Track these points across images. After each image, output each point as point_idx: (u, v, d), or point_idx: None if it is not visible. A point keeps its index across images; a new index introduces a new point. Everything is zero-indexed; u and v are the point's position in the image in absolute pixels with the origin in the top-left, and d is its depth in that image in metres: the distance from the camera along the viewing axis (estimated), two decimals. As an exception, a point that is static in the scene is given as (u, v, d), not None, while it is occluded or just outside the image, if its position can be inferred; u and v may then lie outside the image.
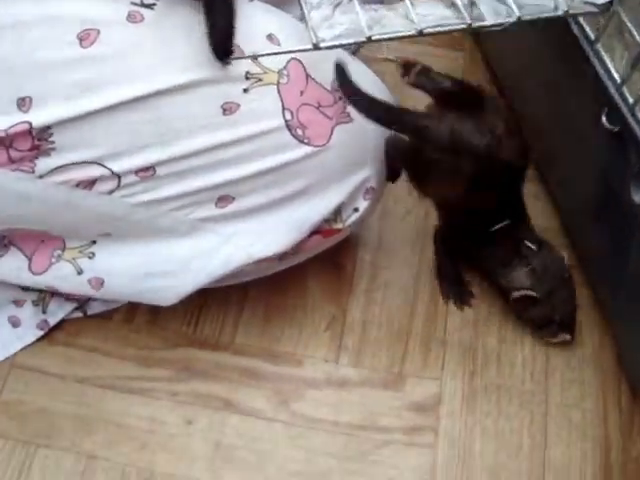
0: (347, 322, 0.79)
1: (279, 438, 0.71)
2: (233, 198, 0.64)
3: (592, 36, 0.65)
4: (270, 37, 0.63)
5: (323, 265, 0.79)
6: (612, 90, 0.63)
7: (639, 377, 0.73)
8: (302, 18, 0.60)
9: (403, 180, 0.72)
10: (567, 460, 0.71)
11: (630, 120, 0.62)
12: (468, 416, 0.73)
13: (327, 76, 0.64)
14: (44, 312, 0.78)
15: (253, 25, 0.64)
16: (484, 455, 0.71)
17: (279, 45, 0.63)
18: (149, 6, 0.61)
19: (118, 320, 0.79)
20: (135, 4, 0.60)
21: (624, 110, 0.62)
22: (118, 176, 0.61)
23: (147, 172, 0.61)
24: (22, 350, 0.77)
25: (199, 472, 0.70)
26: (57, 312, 0.78)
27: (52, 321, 0.78)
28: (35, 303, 0.78)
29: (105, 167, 0.61)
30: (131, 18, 0.60)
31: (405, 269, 0.83)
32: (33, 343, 0.77)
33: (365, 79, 0.67)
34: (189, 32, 0.60)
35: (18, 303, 0.78)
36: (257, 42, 0.62)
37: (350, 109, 0.65)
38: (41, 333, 0.77)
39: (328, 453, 0.71)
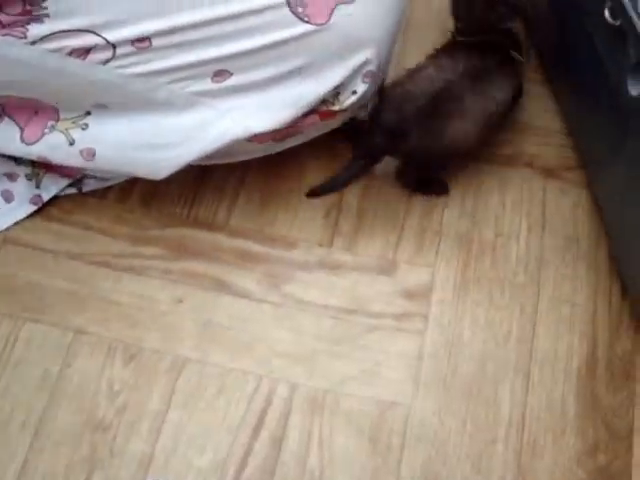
0: (343, 208, 0.78)
1: (268, 319, 0.72)
2: (230, 73, 0.63)
3: None
4: None
5: (320, 151, 0.78)
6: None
7: (630, 277, 0.72)
8: None
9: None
10: (553, 352, 0.71)
11: (632, 14, 0.60)
12: (459, 305, 0.73)
13: None
14: (38, 187, 0.77)
15: None
16: (472, 343, 0.71)
17: None
18: None
19: (112, 199, 0.78)
20: None
21: (626, 3, 0.60)
22: (113, 46, 0.60)
23: (143, 43, 0.60)
24: (15, 225, 0.77)
25: (187, 350, 0.70)
26: (51, 187, 0.77)
27: (46, 196, 0.77)
28: (29, 177, 0.77)
29: (100, 36, 0.59)
30: None
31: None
32: (27, 218, 0.77)
33: None
34: None
35: (11, 177, 0.77)
36: None
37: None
38: (34, 208, 0.77)
39: (316, 335, 0.71)
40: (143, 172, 0.69)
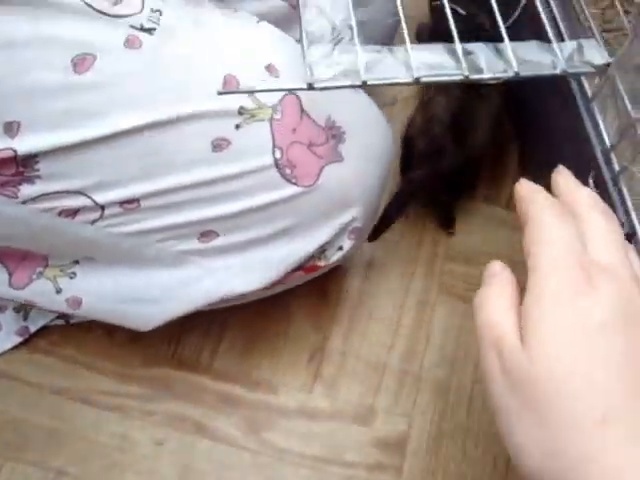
0: (327, 351, 0.79)
1: (246, 467, 0.72)
2: (217, 234, 0.64)
3: (589, 93, 0.65)
4: (269, 68, 0.62)
5: (308, 289, 0.79)
6: (599, 154, 0.63)
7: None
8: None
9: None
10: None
11: (611, 189, 0.61)
12: (432, 458, 0.73)
13: (323, 110, 0.63)
14: (25, 319, 0.78)
15: (254, 53, 0.63)
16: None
17: (277, 77, 0.62)
18: (149, 30, 0.59)
19: (100, 333, 0.79)
20: (135, 28, 0.59)
21: (607, 177, 0.62)
22: (102, 207, 0.61)
23: (131, 204, 0.61)
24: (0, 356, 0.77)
25: (166, 495, 0.71)
26: (38, 319, 0.79)
27: (33, 328, 0.78)
28: (16, 310, 0.78)
29: (89, 197, 0.61)
30: (129, 43, 0.58)
31: (390, 299, 0.83)
32: (11, 350, 0.78)
33: (365, 114, 0.67)
34: (188, 60, 0.60)
35: None
36: (255, 72, 0.62)
37: (342, 147, 0.64)
38: (20, 339, 0.78)
39: (293, 485, 0.72)
40: (129, 324, 0.70)
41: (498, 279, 0.45)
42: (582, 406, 0.38)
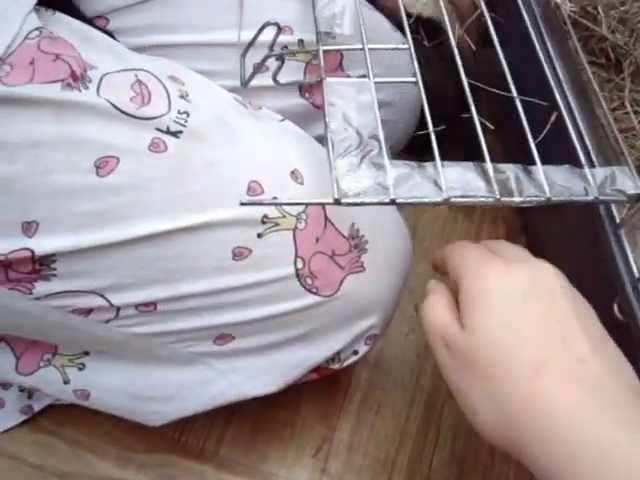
0: (334, 444, 0.78)
1: None
2: (233, 337, 0.63)
3: (617, 219, 0.64)
4: (294, 174, 0.61)
5: (317, 382, 0.78)
6: (627, 283, 0.62)
7: None
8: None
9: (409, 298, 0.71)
10: None
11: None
12: None
13: (347, 218, 0.63)
14: (29, 397, 0.77)
15: (279, 157, 0.62)
16: None
17: (302, 184, 0.61)
18: (175, 134, 0.58)
19: (105, 415, 0.77)
20: (160, 130, 0.57)
21: (636, 307, 0.61)
22: (117, 308, 0.60)
23: (147, 307, 0.60)
24: (2, 434, 0.76)
25: None
26: (43, 399, 0.77)
27: (37, 407, 0.77)
28: (21, 388, 0.77)
29: (104, 298, 0.59)
30: (154, 147, 0.57)
31: (399, 393, 0.82)
32: (14, 427, 0.76)
33: (388, 223, 0.66)
34: (212, 166, 0.58)
35: (4, 386, 0.77)
36: (280, 179, 0.61)
37: (364, 258, 0.63)
38: (24, 418, 0.77)
39: None
40: (138, 419, 0.69)
41: (436, 290, 0.54)
42: (516, 361, 0.45)
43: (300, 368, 0.66)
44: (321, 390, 0.80)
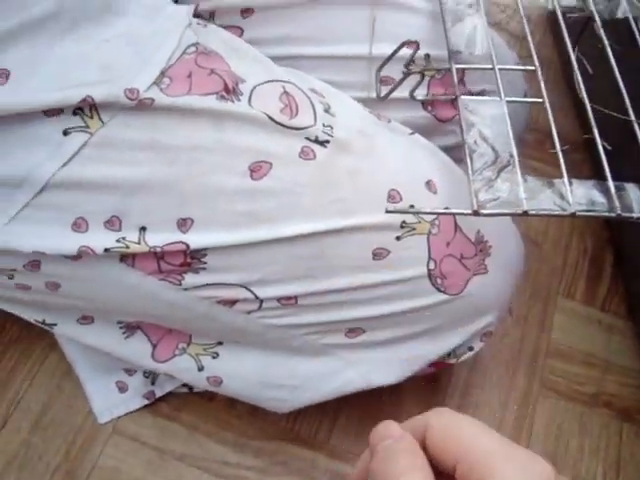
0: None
1: None
2: (363, 331, 0.68)
3: None
4: (429, 184, 0.66)
5: (421, 376, 0.82)
6: None
7: None
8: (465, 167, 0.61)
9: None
10: None
11: None
12: None
13: (474, 226, 0.67)
14: (153, 383, 0.82)
15: (414, 168, 0.67)
16: None
17: (435, 194, 0.66)
18: (322, 143, 0.62)
19: (221, 402, 0.82)
20: (310, 140, 0.62)
21: None
22: (261, 300, 0.64)
23: (289, 301, 0.65)
24: (125, 417, 0.81)
25: None
26: (165, 385, 0.82)
27: (159, 392, 0.82)
28: (146, 375, 0.82)
29: (250, 291, 0.64)
30: (304, 155, 0.61)
31: (495, 393, 0.86)
32: (137, 411, 0.81)
33: (506, 229, 0.71)
34: (356, 174, 0.63)
35: (129, 372, 0.82)
36: (417, 189, 0.65)
37: (488, 260, 0.67)
38: (146, 402, 0.81)
39: None
40: (266, 405, 0.73)
41: (402, 447, 0.35)
42: None
43: (421, 361, 0.70)
44: (424, 387, 0.84)
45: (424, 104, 0.76)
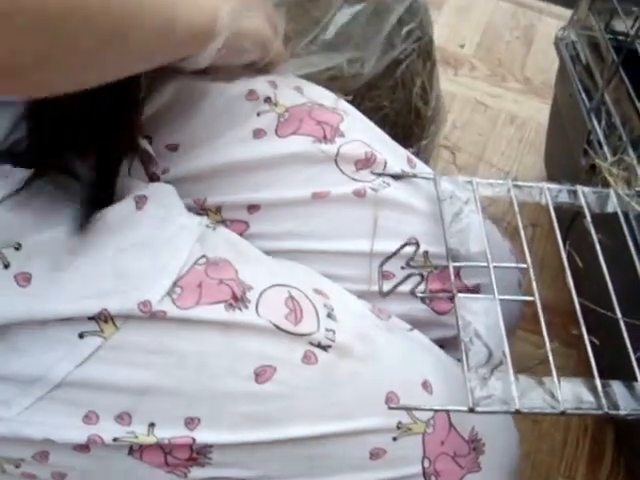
0: None
1: None
2: None
3: None
4: (424, 384, 0.69)
5: None
6: None
7: None
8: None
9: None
10: None
11: None
12: None
13: (468, 423, 0.69)
14: None
15: (411, 370, 0.70)
16: None
17: (431, 394, 0.69)
18: (325, 348, 0.65)
19: None
20: (312, 344, 0.65)
21: None
22: None
23: None
24: None
25: None
26: None
27: None
28: None
29: None
30: (306, 359, 0.64)
31: None
32: None
33: (502, 422, 0.72)
34: (355, 378, 0.66)
35: None
36: (413, 391, 0.68)
37: (481, 458, 0.69)
38: None
39: None
40: None
41: None
42: None
43: None
44: None
45: (423, 298, 0.79)
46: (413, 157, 0.84)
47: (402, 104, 1.05)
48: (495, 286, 0.69)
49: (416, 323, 0.76)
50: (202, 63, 0.69)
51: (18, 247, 0.60)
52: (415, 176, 0.78)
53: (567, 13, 1.70)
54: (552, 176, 1.32)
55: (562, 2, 1.84)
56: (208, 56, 0.67)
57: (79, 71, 0.53)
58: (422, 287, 0.76)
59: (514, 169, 1.37)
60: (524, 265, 0.72)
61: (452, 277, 0.70)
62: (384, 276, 0.75)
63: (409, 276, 0.70)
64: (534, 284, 0.70)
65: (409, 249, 0.75)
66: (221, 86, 0.76)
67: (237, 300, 0.63)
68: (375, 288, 0.75)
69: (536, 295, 0.69)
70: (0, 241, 0.60)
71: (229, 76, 0.76)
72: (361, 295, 0.75)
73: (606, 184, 0.89)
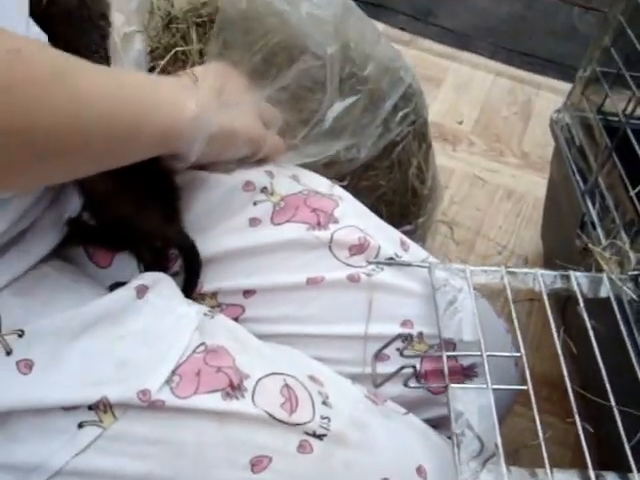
0: None
1: None
2: None
3: None
4: (419, 470, 0.69)
5: None
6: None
7: None
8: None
9: None
10: None
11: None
12: None
13: None
14: None
15: (406, 455, 0.70)
16: None
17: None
18: (320, 437, 0.66)
19: None
20: (308, 434, 0.65)
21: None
22: None
23: None
24: None
25: None
26: None
27: None
28: None
29: None
30: (302, 449, 0.65)
31: None
32: None
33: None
34: (350, 465, 0.66)
35: None
36: (408, 477, 0.68)
37: None
38: None
39: None
40: None
41: None
42: None
43: None
44: None
45: (417, 378, 0.80)
46: (406, 239, 0.86)
47: (399, 184, 1.07)
48: (489, 376, 0.69)
49: (411, 404, 0.77)
50: (187, 162, 0.71)
51: (21, 334, 0.61)
52: (410, 265, 0.79)
53: (565, 87, 1.77)
54: (548, 251, 1.33)
55: (560, 76, 1.88)
56: (192, 155, 0.70)
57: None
58: (414, 373, 0.77)
59: (511, 243, 1.39)
60: (518, 354, 0.73)
61: (446, 369, 0.71)
62: (379, 358, 0.76)
63: (402, 368, 0.71)
64: (527, 373, 0.70)
65: (402, 332, 0.76)
66: (219, 177, 0.78)
67: (234, 389, 0.64)
68: (368, 371, 0.76)
69: (530, 385, 0.70)
70: (4, 327, 0.61)
71: (226, 168, 0.79)
72: (356, 377, 0.76)
73: (600, 266, 0.90)
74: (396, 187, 1.07)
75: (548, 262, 1.32)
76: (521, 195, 1.50)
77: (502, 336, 0.84)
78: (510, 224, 1.44)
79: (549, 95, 1.77)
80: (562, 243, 1.14)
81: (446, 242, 1.37)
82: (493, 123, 1.68)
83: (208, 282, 0.76)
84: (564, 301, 0.88)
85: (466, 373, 0.78)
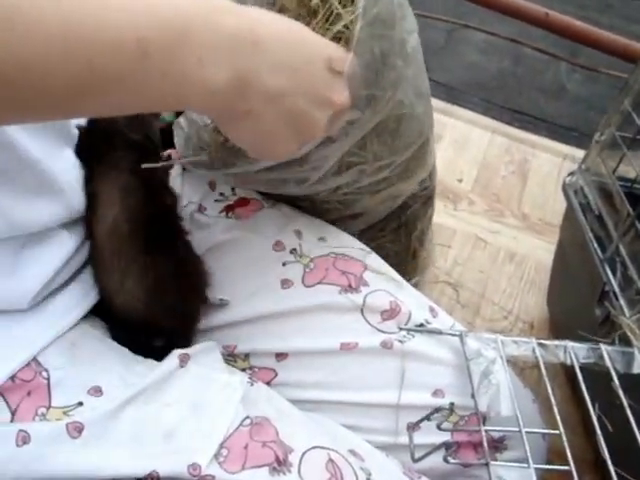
0: None
1: None
2: None
3: None
4: None
5: None
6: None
7: None
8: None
9: None
10: None
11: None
12: None
13: None
14: None
15: None
16: None
17: None
18: None
19: None
20: None
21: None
22: None
23: None
24: None
25: None
26: None
27: None
28: None
29: None
30: None
31: None
32: None
33: None
34: None
35: None
36: None
37: None
38: None
39: None
40: None
41: None
42: None
43: None
44: None
45: (448, 450, 0.78)
46: (435, 306, 0.84)
47: (403, 247, 1.06)
48: (529, 454, 0.67)
49: (442, 475, 0.76)
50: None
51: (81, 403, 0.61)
52: (441, 332, 0.77)
53: (558, 147, 1.78)
54: (555, 317, 1.32)
55: (552, 136, 1.89)
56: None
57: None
58: (452, 449, 0.74)
59: (516, 307, 1.37)
60: (556, 432, 0.70)
61: (485, 445, 0.68)
62: (409, 427, 0.73)
63: (443, 444, 0.69)
64: (568, 452, 0.68)
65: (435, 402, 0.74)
66: (249, 238, 0.78)
67: (280, 464, 0.62)
68: (400, 440, 0.74)
69: (571, 464, 0.67)
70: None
71: (256, 227, 0.79)
72: (386, 447, 0.74)
73: (625, 337, 0.88)
74: (399, 249, 1.06)
75: (555, 329, 1.30)
76: (522, 258, 1.49)
77: (530, 407, 0.82)
78: (514, 288, 1.42)
79: (544, 155, 1.77)
80: (576, 311, 1.12)
81: (452, 304, 1.35)
82: (492, 182, 1.67)
83: (242, 343, 0.75)
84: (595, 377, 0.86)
85: (496, 445, 0.76)
